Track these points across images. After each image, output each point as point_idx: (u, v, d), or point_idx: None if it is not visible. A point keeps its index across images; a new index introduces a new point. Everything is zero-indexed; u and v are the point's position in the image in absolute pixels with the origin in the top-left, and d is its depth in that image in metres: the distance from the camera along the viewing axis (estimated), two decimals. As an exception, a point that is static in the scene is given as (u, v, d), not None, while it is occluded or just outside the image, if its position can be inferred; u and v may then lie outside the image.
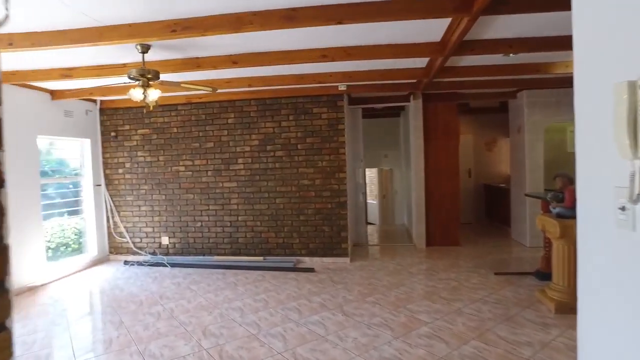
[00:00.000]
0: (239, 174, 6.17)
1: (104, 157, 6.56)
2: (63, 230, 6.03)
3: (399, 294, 4.43)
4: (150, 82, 3.63)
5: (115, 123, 6.51)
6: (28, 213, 5.20)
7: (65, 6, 2.76)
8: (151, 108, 3.77)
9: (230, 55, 4.04)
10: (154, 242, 6.51)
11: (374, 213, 11.02)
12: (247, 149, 6.13)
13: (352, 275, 5.24)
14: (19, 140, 5.11)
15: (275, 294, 4.62)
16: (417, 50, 3.93)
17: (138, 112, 6.40)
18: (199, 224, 6.34)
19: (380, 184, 11.15)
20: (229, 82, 5.18)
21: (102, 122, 6.53)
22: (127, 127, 6.48)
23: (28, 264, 5.15)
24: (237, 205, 6.19)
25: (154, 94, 3.62)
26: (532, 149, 6.49)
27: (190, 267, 5.96)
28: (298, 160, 6.00)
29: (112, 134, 6.49)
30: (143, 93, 3.56)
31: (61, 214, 6.00)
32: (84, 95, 5.59)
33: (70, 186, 6.29)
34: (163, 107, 6.27)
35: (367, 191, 10.25)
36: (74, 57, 4.01)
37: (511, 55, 4.22)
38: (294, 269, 5.58)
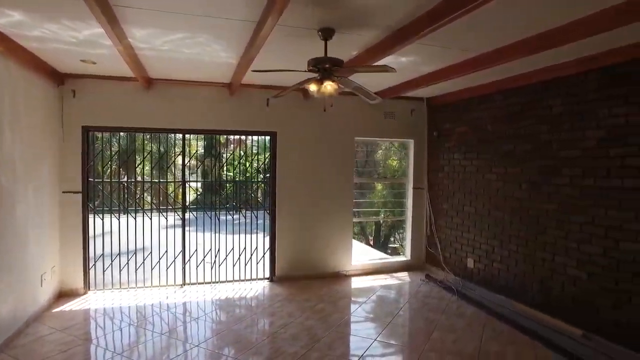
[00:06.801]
0: (562, 191, 4.00)
1: (428, 159, 6.11)
2: (374, 228, 6.19)
3: None
4: (332, 73, 2.95)
5: (438, 121, 5.88)
6: (340, 209, 5.70)
7: None
8: (330, 105, 3.10)
9: None
10: (461, 261, 5.43)
11: None
12: (577, 153, 3.85)
13: None
14: (338, 142, 5.67)
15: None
16: None
17: (457, 107, 5.47)
18: (505, 253, 4.68)
19: None
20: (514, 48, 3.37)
21: (428, 121, 6.08)
22: (447, 125, 5.70)
23: (337, 254, 5.70)
24: (554, 239, 4.07)
25: (329, 88, 2.92)
26: None
27: (477, 307, 4.56)
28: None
29: (434, 133, 5.91)
30: (318, 87, 2.96)
31: (377, 213, 6.18)
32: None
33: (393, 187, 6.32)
34: (480, 98, 5.04)
35: None
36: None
37: None
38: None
